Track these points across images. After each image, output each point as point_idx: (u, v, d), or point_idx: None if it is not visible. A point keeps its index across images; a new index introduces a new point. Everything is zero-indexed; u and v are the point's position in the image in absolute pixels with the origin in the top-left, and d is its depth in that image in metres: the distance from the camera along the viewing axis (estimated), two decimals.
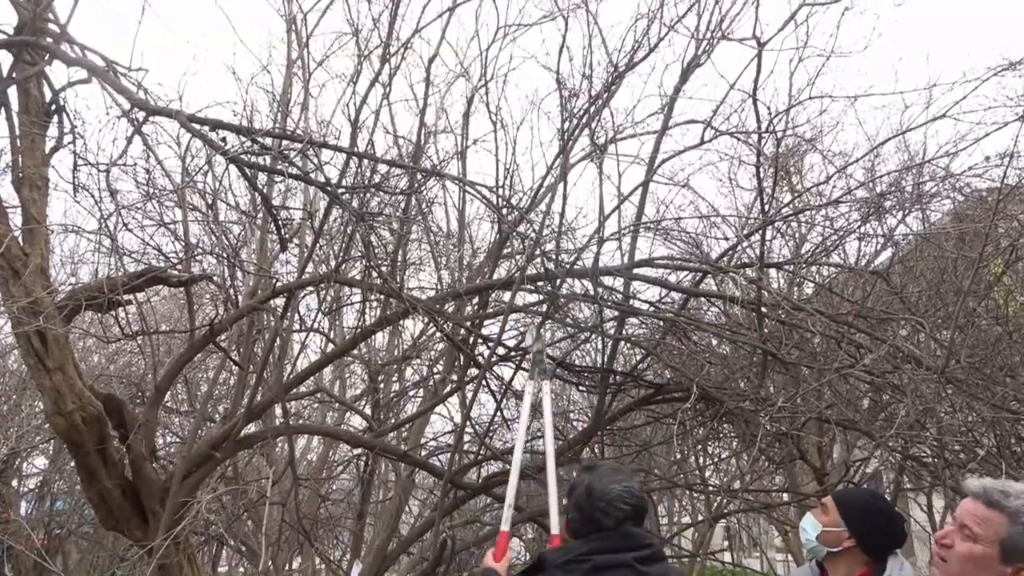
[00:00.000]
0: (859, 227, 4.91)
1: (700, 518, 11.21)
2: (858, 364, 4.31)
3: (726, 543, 14.50)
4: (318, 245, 5.31)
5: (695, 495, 10.23)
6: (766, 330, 4.72)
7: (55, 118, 4.47)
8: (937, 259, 5.08)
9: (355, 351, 6.15)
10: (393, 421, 6.72)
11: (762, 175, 4.84)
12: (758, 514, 12.60)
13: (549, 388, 3.28)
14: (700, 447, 6.83)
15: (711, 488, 6.87)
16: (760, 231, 4.79)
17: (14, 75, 4.34)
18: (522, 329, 3.82)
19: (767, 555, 15.24)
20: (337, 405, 8.39)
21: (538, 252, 4.50)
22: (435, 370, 6.71)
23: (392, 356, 7.69)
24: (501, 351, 4.92)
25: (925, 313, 4.90)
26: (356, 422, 8.86)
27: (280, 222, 4.76)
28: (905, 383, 4.20)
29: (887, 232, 5.37)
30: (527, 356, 3.62)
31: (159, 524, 4.63)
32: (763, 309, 4.65)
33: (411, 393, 7.81)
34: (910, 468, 5.07)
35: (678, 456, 7.51)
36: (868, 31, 4.86)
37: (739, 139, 4.88)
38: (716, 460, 7.27)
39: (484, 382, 5.23)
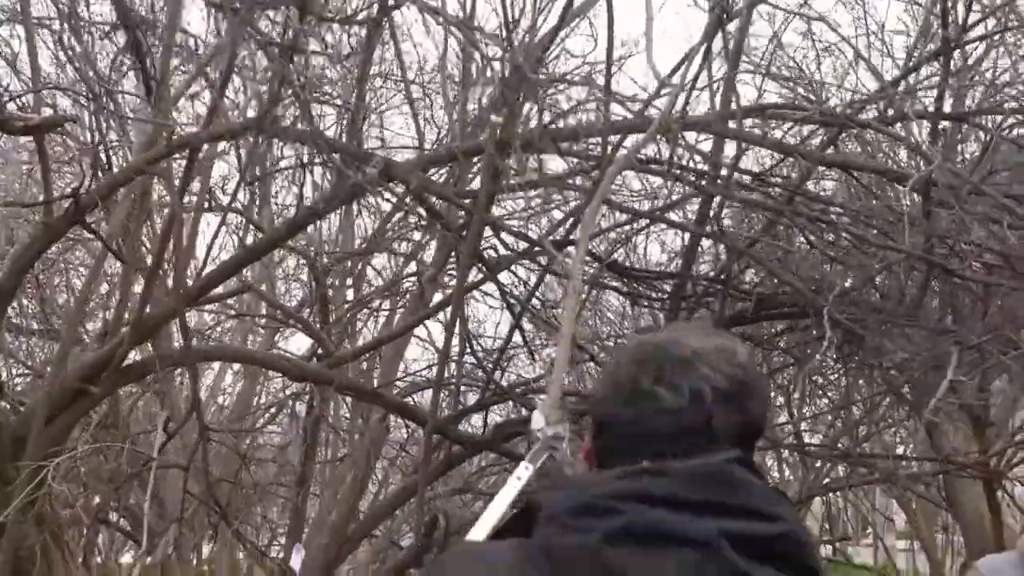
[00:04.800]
0: None
1: (792, 492, 11.38)
2: None
3: (826, 526, 14.81)
4: (234, 76, 5.18)
5: (786, 458, 10.31)
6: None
7: None
8: None
9: (293, 242, 6.06)
10: (352, 345, 6.72)
11: None
12: (873, 487, 12.71)
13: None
14: (797, 392, 6.72)
15: (816, 447, 6.91)
16: (940, 60, 4.59)
17: None
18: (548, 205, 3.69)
19: (883, 541, 15.66)
20: (264, 321, 8.43)
21: (578, 99, 4.56)
22: (414, 268, 6.69)
23: (349, 248, 7.59)
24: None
25: None
26: (294, 347, 8.87)
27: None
28: None
29: None
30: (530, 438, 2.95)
31: (9, 491, 4.59)
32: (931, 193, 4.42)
33: (377, 304, 7.73)
34: None
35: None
36: None
37: None
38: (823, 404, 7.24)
39: (499, 287, 5.24)
